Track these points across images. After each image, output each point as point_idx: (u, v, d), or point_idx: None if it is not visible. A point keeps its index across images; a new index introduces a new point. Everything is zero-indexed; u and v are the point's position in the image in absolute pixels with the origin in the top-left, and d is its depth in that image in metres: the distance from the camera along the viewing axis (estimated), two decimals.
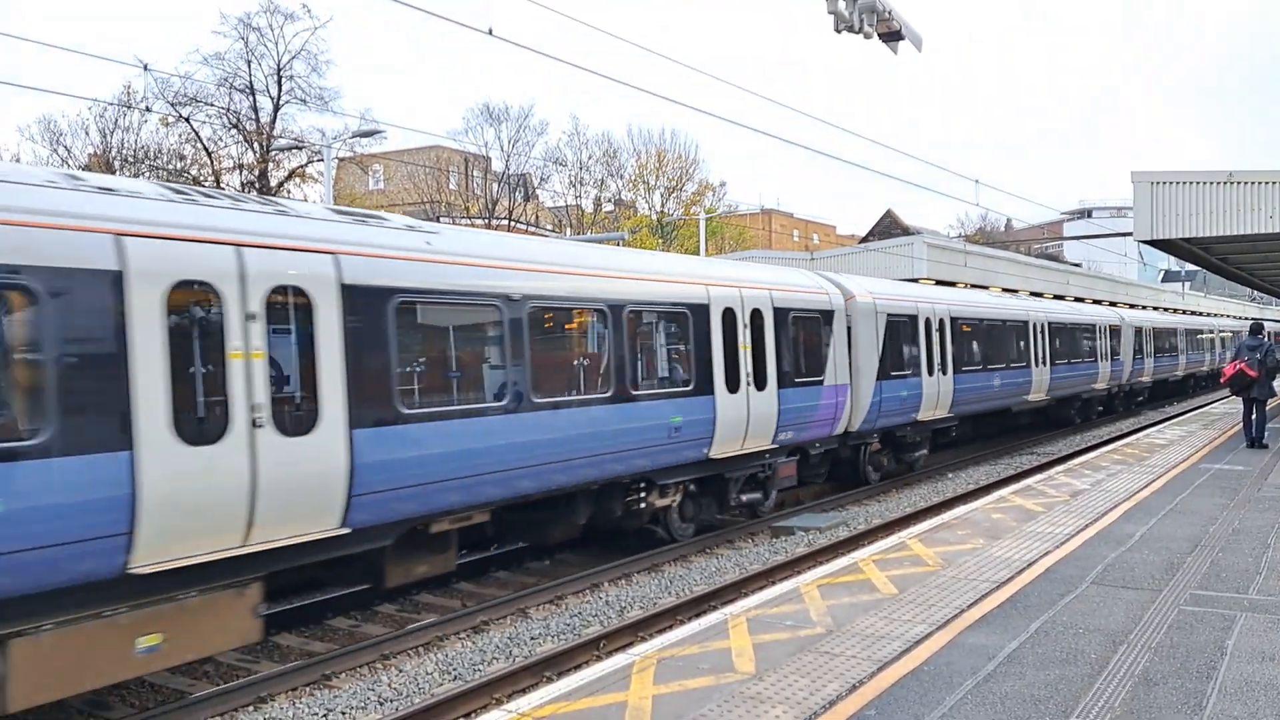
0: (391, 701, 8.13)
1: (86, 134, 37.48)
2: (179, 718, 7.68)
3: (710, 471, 13.27)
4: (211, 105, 35.28)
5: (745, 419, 13.56)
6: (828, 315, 15.96)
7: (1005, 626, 7.29)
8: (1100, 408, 32.70)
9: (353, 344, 8.30)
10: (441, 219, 41.74)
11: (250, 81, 35.96)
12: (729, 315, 13.37)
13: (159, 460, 6.85)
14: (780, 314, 14.47)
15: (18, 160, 36.48)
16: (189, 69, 35.45)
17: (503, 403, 9.90)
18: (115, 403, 6.69)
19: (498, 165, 49.82)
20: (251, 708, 7.99)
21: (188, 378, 7.23)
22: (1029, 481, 15.05)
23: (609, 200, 55.64)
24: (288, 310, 7.94)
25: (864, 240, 55.85)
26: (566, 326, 11.34)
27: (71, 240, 6.60)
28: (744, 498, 14.36)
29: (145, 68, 22.81)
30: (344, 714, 7.86)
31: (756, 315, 13.97)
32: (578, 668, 8.49)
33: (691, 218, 51.77)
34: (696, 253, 41.09)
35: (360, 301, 8.39)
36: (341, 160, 37.43)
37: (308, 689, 8.43)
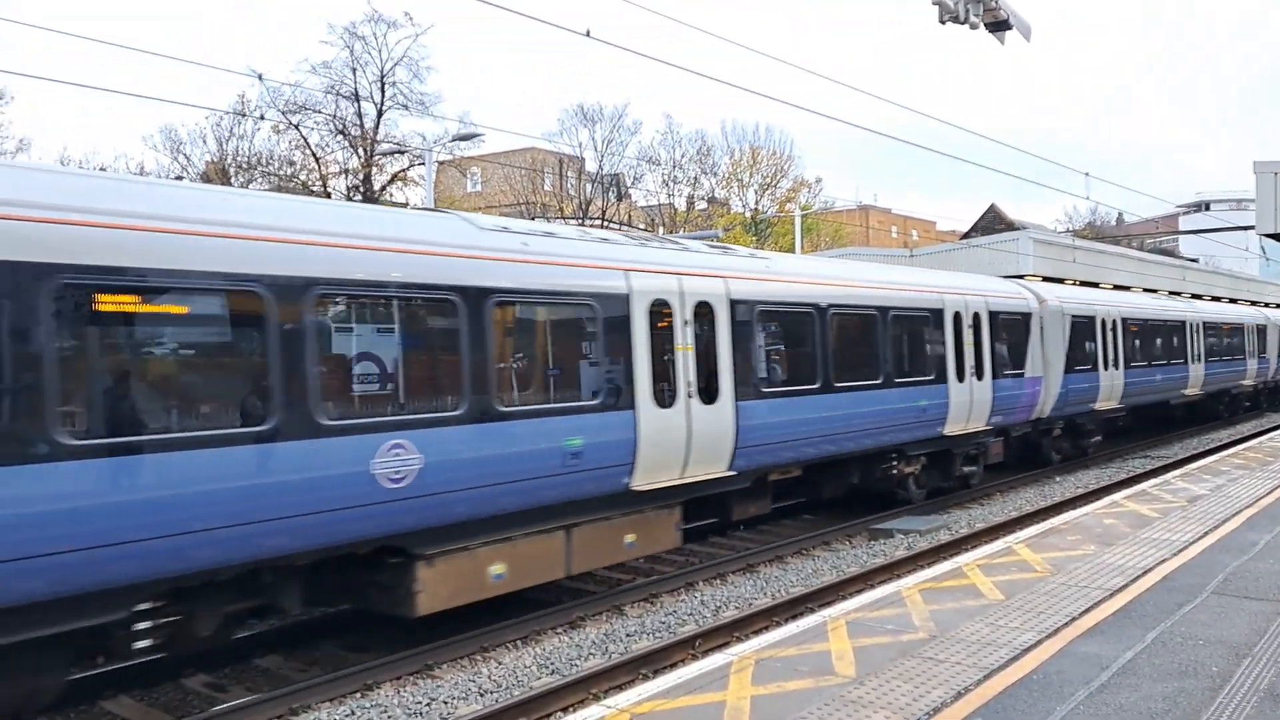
0: (491, 693, 8.27)
1: (204, 142, 39.19)
2: (290, 702, 7.96)
3: (941, 447, 16.13)
4: (319, 112, 36.44)
5: (969, 403, 16.35)
6: (1026, 317, 18.62)
7: (1120, 636, 7.02)
8: (1247, 403, 34.41)
9: (735, 340, 11.72)
10: (536, 219, 42.29)
11: (355, 89, 37.03)
12: (957, 318, 16.28)
13: (646, 417, 10.46)
14: (993, 316, 17.30)
15: (142, 170, 38.34)
16: (299, 78, 36.66)
17: (816, 385, 13.14)
18: (628, 377, 10.36)
19: (591, 165, 50.24)
20: (359, 694, 8.23)
21: (658, 363, 10.73)
22: (1143, 486, 14.46)
23: (702, 198, 55.49)
24: (701, 318, 11.39)
25: (965, 236, 54.38)
26: (852, 327, 14.34)
27: (612, 275, 10.43)
28: (964, 469, 17.05)
29: (260, 78, 23.66)
30: (446, 703, 8.03)
31: (976, 318, 16.78)
32: (674, 666, 8.49)
33: (786, 215, 51.26)
34: (791, 250, 40.66)
35: (738, 311, 11.84)
36: (441, 164, 38.19)
37: (411, 678, 8.64)
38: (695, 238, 30.01)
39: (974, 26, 9.06)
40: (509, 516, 9.21)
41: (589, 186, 49.48)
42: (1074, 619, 7.47)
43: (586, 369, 10.33)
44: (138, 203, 7.09)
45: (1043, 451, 20.32)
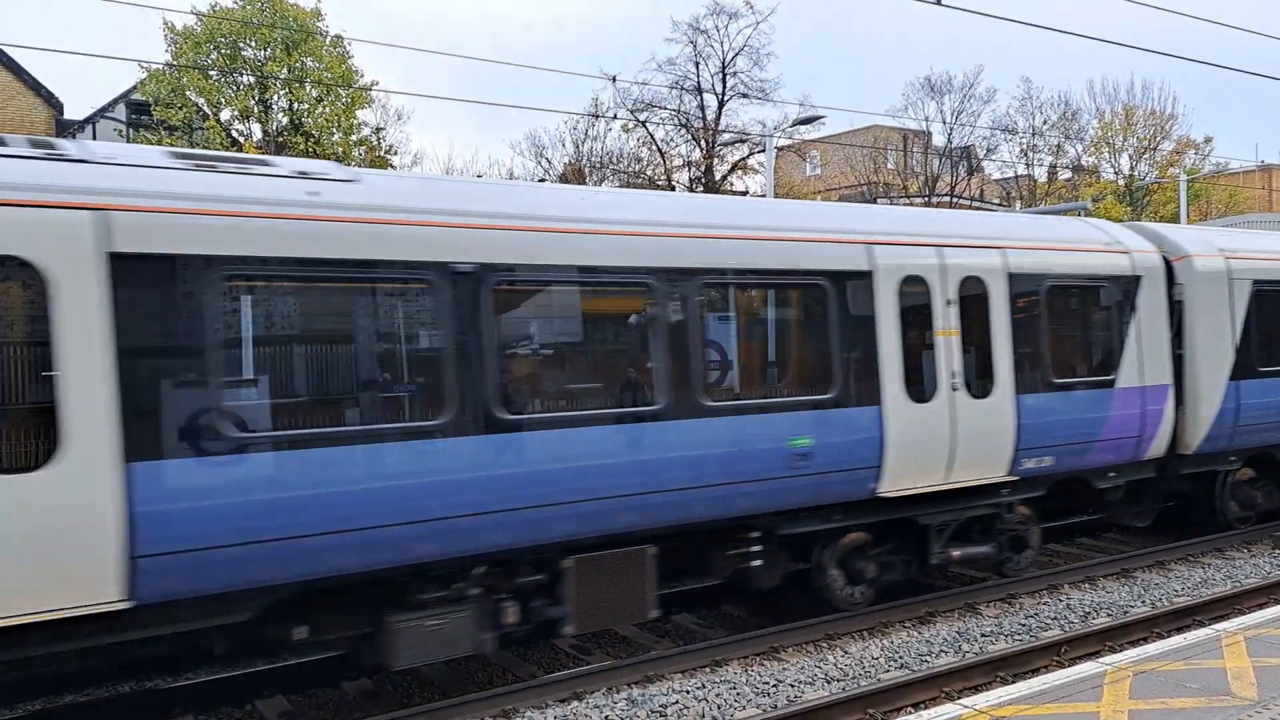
0: (837, 681, 8.20)
1: (563, 145, 42.37)
2: (645, 670, 8.42)
3: None
4: (664, 108, 38.04)
5: None
6: None
7: None
8: None
9: None
10: (878, 200, 41.14)
11: (698, 82, 38.13)
12: None
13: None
14: None
15: (511, 175, 42.30)
16: (645, 76, 38.46)
17: None
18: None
19: (939, 140, 47.88)
20: (708, 669, 8.53)
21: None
22: None
23: (1066, 167, 50.89)
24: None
25: None
26: None
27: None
28: None
29: (613, 80, 25.22)
30: (792, 686, 8.09)
31: None
32: (1035, 671, 7.94)
33: (1168, 180, 45.72)
34: (1176, 219, 36.22)
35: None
36: (780, 149, 38.33)
37: (758, 658, 8.81)
38: (1059, 210, 27.70)
39: None
40: None
41: (936, 162, 47.25)
42: None
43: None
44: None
45: None
